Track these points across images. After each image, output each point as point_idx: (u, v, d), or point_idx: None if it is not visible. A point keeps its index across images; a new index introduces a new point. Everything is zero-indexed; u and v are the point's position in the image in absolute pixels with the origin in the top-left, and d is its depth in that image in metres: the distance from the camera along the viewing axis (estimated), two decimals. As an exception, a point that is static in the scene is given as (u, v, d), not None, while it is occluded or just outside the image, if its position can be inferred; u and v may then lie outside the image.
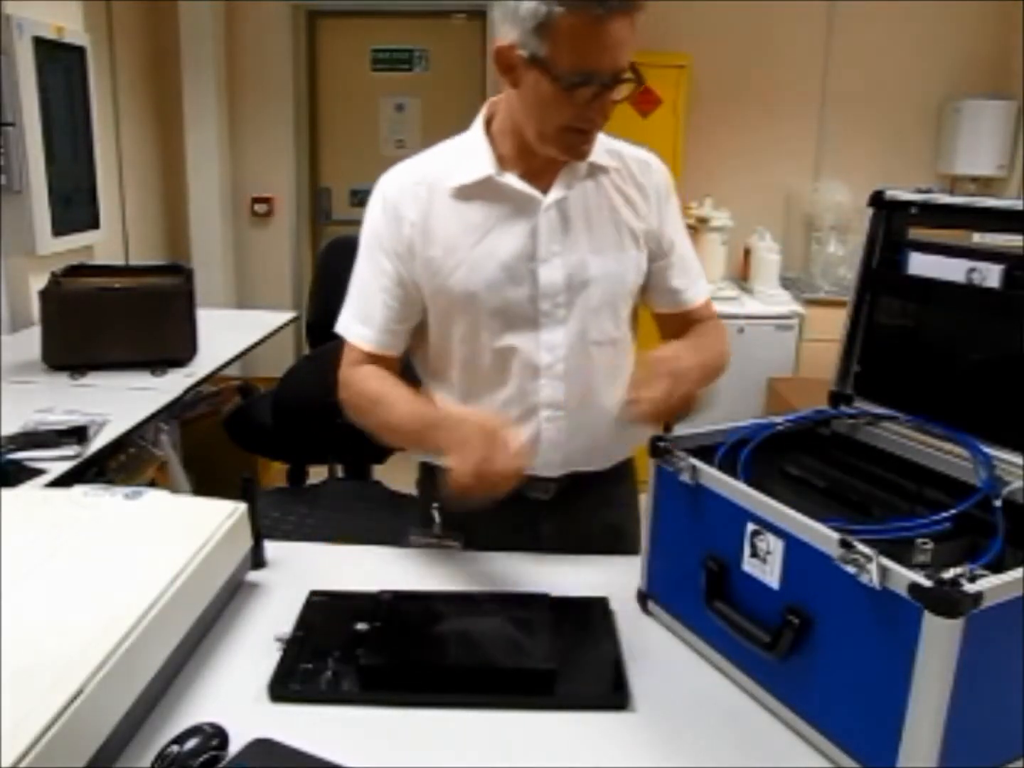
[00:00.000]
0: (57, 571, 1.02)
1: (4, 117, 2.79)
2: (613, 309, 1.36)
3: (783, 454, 1.20)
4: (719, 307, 1.60)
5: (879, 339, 1.29)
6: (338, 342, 1.39)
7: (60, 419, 2.00)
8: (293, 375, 2.48)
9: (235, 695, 1.01)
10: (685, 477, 1.09)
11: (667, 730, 0.98)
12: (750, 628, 0.99)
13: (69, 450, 1.85)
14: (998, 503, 1.01)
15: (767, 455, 1.14)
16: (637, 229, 1.35)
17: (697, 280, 1.46)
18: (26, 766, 0.73)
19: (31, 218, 2.91)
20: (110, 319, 2.45)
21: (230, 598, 1.20)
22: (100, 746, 0.85)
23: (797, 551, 0.94)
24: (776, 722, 0.99)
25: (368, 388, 1.33)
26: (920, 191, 1.22)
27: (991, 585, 0.80)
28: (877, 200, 1.25)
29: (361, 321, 1.35)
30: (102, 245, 3.45)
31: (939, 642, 0.79)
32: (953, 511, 0.98)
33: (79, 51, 3.18)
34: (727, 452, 1.13)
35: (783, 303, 3.89)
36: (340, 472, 2.80)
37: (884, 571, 0.83)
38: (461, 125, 1.37)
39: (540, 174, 1.29)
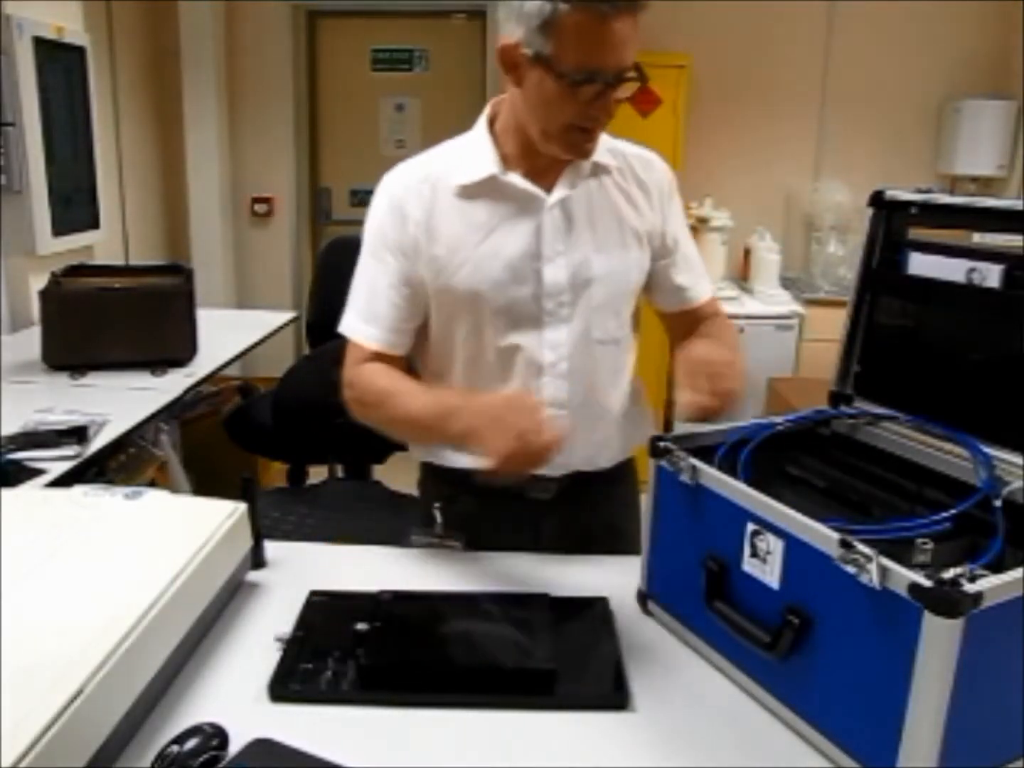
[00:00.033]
0: (57, 571, 1.02)
1: (4, 117, 2.79)
2: (616, 308, 1.36)
3: (783, 454, 1.20)
4: (719, 307, 1.60)
5: (879, 339, 1.29)
6: (338, 342, 1.39)
7: (60, 419, 2.00)
8: (293, 375, 2.48)
9: (235, 695, 1.01)
10: (685, 477, 1.09)
11: (667, 730, 0.98)
12: (750, 628, 0.99)
13: (69, 450, 1.85)
14: (998, 503, 1.01)
15: (767, 455, 1.14)
16: (640, 228, 1.35)
17: (701, 277, 1.46)
18: (26, 766, 0.73)
19: (31, 218, 2.91)
20: (110, 319, 2.45)
21: (230, 598, 1.20)
22: (100, 746, 0.85)
23: (797, 551, 0.94)
24: (776, 722, 0.99)
25: (378, 383, 1.32)
26: (920, 191, 1.22)
27: (991, 585, 0.80)
28: (877, 200, 1.25)
29: (367, 320, 1.34)
30: (102, 245, 3.45)
31: (939, 642, 0.79)
32: (953, 511, 0.98)
33: (79, 51, 3.18)
34: (727, 452, 1.13)
35: (783, 303, 3.89)
36: (340, 472, 2.80)
37: (884, 571, 0.83)
38: (461, 125, 1.37)
39: (544, 173, 1.30)
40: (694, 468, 1.08)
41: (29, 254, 2.94)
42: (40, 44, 2.90)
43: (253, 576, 1.27)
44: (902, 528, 0.95)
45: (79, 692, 0.81)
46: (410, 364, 1.40)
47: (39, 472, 1.76)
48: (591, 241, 1.31)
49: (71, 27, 3.12)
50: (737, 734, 0.97)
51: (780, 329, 3.79)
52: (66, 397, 2.22)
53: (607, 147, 1.33)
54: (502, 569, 1.31)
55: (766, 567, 0.98)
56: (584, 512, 1.43)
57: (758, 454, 1.13)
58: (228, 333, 2.91)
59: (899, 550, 0.88)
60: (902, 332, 1.28)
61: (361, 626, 1.08)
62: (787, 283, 4.08)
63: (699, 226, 3.90)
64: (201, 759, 0.87)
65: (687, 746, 0.95)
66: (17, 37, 2.78)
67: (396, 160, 1.36)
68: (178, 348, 2.55)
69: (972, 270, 1.14)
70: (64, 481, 1.75)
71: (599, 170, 1.33)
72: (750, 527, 0.99)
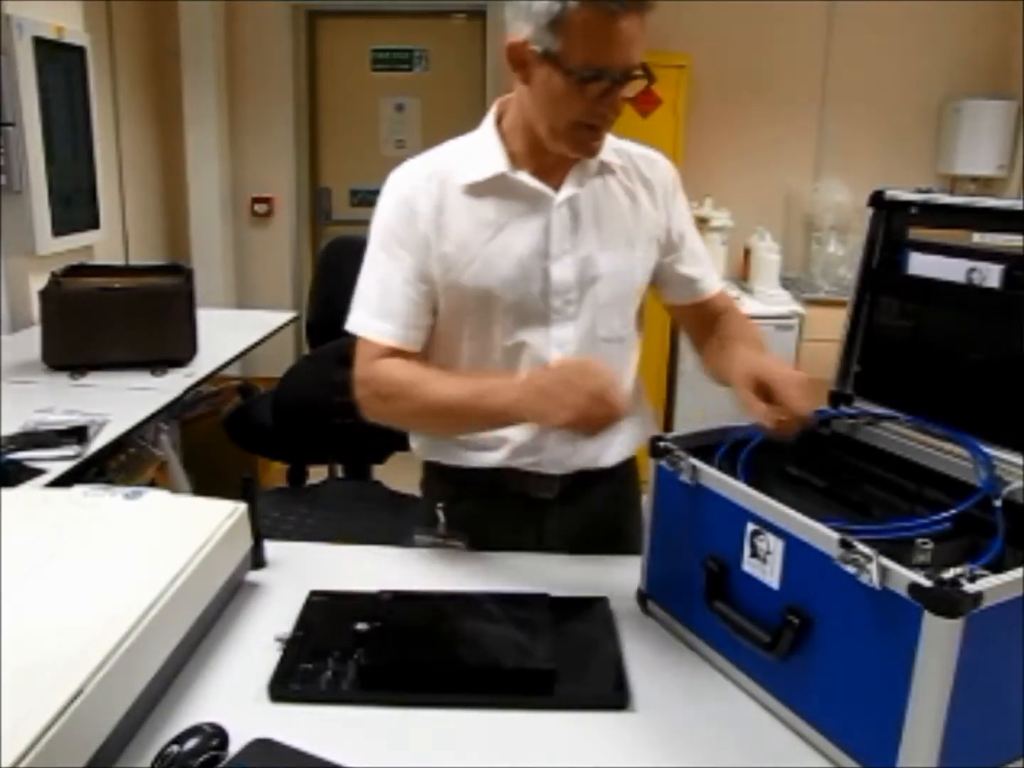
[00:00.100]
0: (57, 571, 1.02)
1: (4, 117, 2.79)
2: (621, 306, 1.37)
3: (783, 454, 1.20)
4: (719, 307, 1.60)
5: (879, 339, 1.29)
6: (339, 342, 1.38)
7: (60, 419, 2.00)
8: (293, 375, 2.48)
9: (235, 695, 1.01)
10: (685, 477, 1.09)
11: (667, 730, 0.98)
12: (750, 628, 0.99)
13: (69, 450, 1.85)
14: (998, 503, 1.01)
15: (767, 455, 1.14)
16: (645, 227, 1.36)
17: (710, 270, 1.48)
18: (26, 766, 0.73)
19: (31, 218, 2.90)
20: (110, 319, 2.45)
21: (230, 598, 1.20)
22: (100, 746, 0.85)
23: (797, 551, 0.94)
24: (776, 722, 0.99)
25: (398, 375, 1.29)
26: (920, 191, 1.22)
27: (991, 585, 0.80)
28: (877, 200, 1.26)
29: (381, 317, 1.31)
30: (102, 245, 3.44)
31: (939, 642, 0.79)
32: (953, 511, 0.98)
33: (79, 51, 3.18)
34: (727, 452, 1.13)
35: (783, 303, 3.89)
36: (340, 472, 2.80)
37: (884, 571, 0.83)
38: (461, 125, 1.37)
39: (551, 172, 1.30)
40: (694, 468, 1.08)
41: (29, 254, 2.94)
42: (40, 44, 2.90)
43: (253, 576, 1.27)
44: (902, 528, 0.95)
45: (79, 692, 0.82)
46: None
47: (39, 472, 1.76)
48: (597, 239, 1.32)
49: (71, 27, 3.12)
50: (737, 734, 0.97)
51: (780, 329, 3.78)
52: (66, 397, 2.21)
53: (612, 147, 1.34)
54: (502, 569, 1.31)
55: (766, 567, 0.98)
56: (586, 511, 1.43)
57: (758, 454, 1.13)
58: (228, 333, 2.90)
59: (899, 550, 0.88)
60: (902, 332, 1.28)
61: (361, 626, 1.08)
62: (787, 283, 4.08)
63: (699, 226, 3.89)
64: (201, 759, 0.88)
65: (687, 746, 0.95)
66: (17, 37, 2.78)
67: (396, 160, 1.36)
68: (178, 348, 2.55)
69: (972, 270, 1.14)
70: (64, 481, 1.75)
71: (605, 169, 1.33)
72: (750, 527, 0.99)
